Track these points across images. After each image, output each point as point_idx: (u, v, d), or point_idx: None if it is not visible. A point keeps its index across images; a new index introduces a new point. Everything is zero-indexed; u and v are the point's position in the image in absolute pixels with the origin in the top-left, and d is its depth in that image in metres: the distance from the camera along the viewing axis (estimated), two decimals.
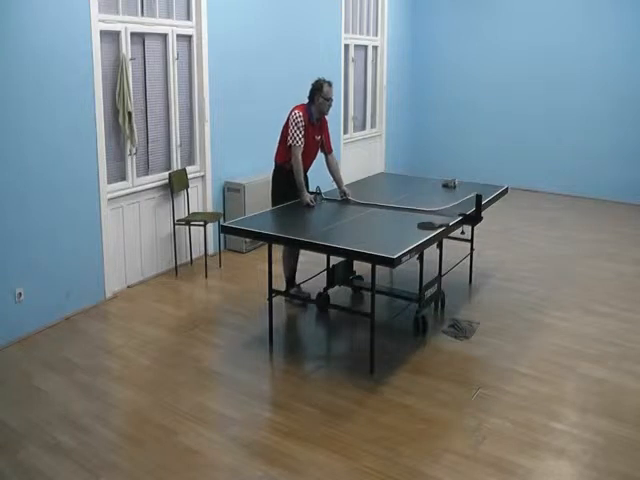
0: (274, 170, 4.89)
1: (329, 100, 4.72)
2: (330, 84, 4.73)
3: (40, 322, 4.49)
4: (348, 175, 7.70)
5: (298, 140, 4.63)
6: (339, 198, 4.87)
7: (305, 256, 5.00)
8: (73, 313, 4.74)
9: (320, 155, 5.00)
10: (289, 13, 6.81)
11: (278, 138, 4.81)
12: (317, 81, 4.71)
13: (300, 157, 4.66)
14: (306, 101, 4.75)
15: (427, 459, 3.06)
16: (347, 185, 5.05)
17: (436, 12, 9.50)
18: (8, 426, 3.35)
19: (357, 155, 8.48)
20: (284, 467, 3.02)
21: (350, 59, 8.21)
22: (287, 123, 4.71)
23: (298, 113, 4.64)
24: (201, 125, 5.92)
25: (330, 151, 5.00)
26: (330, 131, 5.06)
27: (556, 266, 5.84)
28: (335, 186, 4.98)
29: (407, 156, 9.71)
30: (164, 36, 5.48)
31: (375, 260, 3.61)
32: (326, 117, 4.91)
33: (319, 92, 4.67)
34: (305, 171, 4.84)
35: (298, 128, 4.62)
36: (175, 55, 5.58)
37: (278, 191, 4.86)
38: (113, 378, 3.87)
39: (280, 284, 4.84)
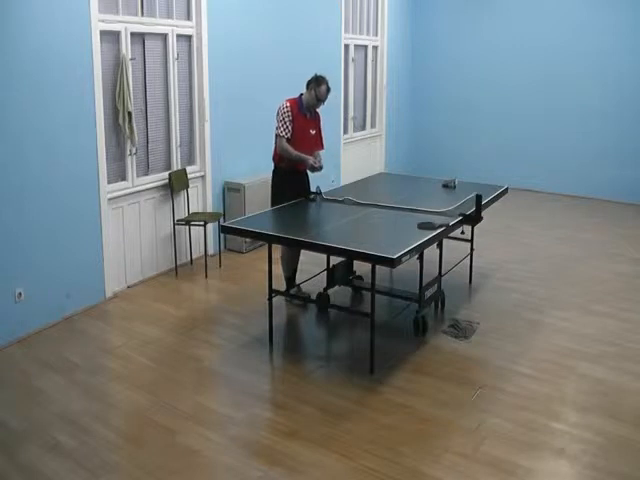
0: (273, 170, 4.90)
1: (320, 101, 4.75)
2: (329, 90, 4.75)
3: (40, 322, 4.49)
4: (348, 175, 7.73)
5: (283, 130, 4.66)
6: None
7: (305, 256, 5.00)
8: (73, 313, 4.74)
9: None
10: (289, 13, 6.81)
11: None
12: (322, 77, 4.71)
13: (286, 146, 4.67)
14: (303, 94, 4.77)
15: (427, 459, 3.06)
16: (347, 185, 5.05)
17: (436, 12, 9.50)
18: (8, 426, 3.35)
19: (357, 155, 8.48)
20: (284, 467, 3.02)
21: (350, 59, 8.21)
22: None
23: (285, 104, 4.68)
24: (201, 125, 5.92)
25: (321, 148, 5.00)
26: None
27: (556, 266, 5.84)
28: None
29: (407, 156, 9.71)
30: (164, 36, 5.48)
31: (375, 260, 3.61)
32: (320, 113, 4.93)
33: (316, 86, 4.68)
34: (303, 169, 4.83)
35: (283, 119, 4.66)
36: (175, 55, 5.58)
37: (276, 191, 4.86)
38: (113, 378, 3.87)
39: (280, 284, 4.83)
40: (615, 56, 8.13)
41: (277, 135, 4.71)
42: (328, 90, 4.74)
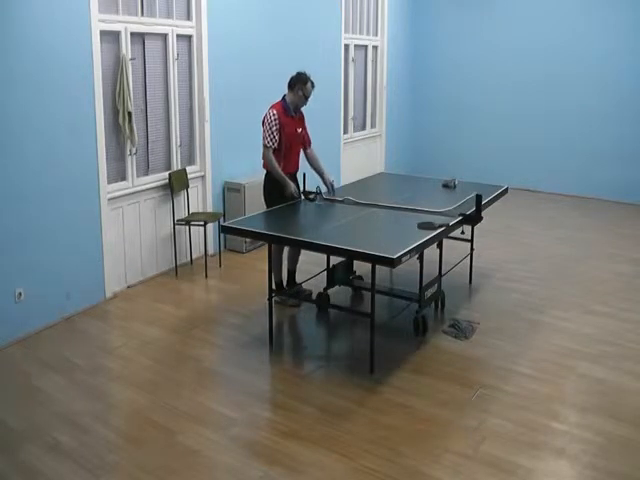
0: (264, 177, 4.84)
1: (307, 98, 4.73)
2: (313, 85, 4.73)
3: (40, 322, 4.49)
4: (348, 175, 7.72)
5: (270, 140, 4.60)
6: (329, 191, 4.84)
7: (305, 256, 5.00)
8: (73, 313, 4.74)
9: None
10: (289, 13, 6.81)
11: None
12: (304, 74, 4.69)
13: (272, 157, 4.63)
14: (286, 96, 4.74)
15: (427, 459, 3.06)
16: (347, 185, 5.05)
17: (436, 12, 9.50)
18: (8, 426, 3.35)
19: (357, 155, 8.48)
20: (284, 467, 3.02)
21: (350, 59, 8.21)
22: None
23: (272, 112, 4.62)
24: (201, 125, 5.92)
25: (309, 144, 4.97)
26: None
27: (556, 266, 5.84)
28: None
29: (407, 156, 9.70)
30: (164, 36, 5.48)
31: (375, 260, 3.61)
32: (303, 111, 4.89)
33: (302, 85, 4.66)
34: (294, 171, 4.83)
35: (270, 128, 4.59)
36: (175, 55, 5.58)
37: (269, 197, 4.80)
38: (113, 378, 3.87)
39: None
40: (615, 57, 8.13)
41: (264, 145, 4.64)
42: (313, 86, 4.73)
